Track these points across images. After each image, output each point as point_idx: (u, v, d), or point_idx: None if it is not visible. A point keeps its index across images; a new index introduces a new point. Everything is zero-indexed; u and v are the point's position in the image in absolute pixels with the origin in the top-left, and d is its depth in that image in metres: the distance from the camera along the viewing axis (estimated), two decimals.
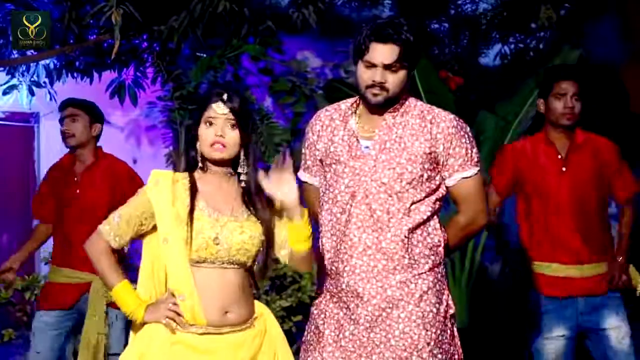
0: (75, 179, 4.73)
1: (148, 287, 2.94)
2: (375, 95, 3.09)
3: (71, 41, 5.69)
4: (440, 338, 3.08)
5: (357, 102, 3.21)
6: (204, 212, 2.90)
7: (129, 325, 4.65)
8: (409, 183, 3.07)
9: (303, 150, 3.32)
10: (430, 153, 3.10)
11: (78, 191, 4.71)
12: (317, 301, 3.23)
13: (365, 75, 3.09)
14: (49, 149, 6.93)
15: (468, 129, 3.18)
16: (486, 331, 6.00)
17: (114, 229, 2.92)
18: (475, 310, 6.14)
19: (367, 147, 3.13)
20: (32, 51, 5.87)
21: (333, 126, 3.21)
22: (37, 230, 4.94)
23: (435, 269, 3.13)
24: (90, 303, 4.59)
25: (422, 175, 3.09)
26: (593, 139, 4.25)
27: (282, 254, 3.02)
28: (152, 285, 2.94)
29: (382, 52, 3.05)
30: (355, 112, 3.20)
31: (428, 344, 3.04)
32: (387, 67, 3.06)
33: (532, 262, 4.22)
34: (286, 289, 5.91)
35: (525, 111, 6.20)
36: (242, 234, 2.91)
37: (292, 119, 6.52)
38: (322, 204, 3.19)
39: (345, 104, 3.24)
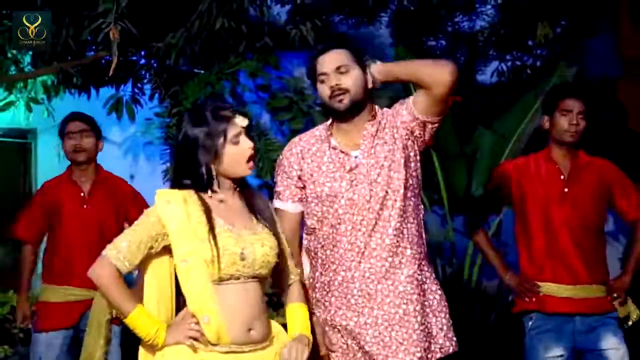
0: (82, 194, 4.66)
1: (157, 313, 2.86)
2: (339, 100, 3.22)
3: (69, 57, 5.69)
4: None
5: (331, 124, 3.32)
6: (223, 228, 2.86)
7: (124, 341, 4.66)
8: (401, 182, 3.19)
9: (275, 179, 3.39)
10: (404, 144, 3.25)
11: (86, 206, 4.64)
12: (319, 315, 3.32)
13: (323, 88, 3.24)
14: (46, 165, 6.94)
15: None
16: (484, 347, 5.98)
17: (123, 252, 2.81)
18: (473, 327, 6.12)
19: (356, 156, 3.24)
20: (29, 67, 5.90)
21: (313, 151, 3.30)
22: (27, 255, 4.73)
23: (418, 256, 3.26)
24: (92, 319, 4.49)
25: (406, 171, 3.22)
26: (595, 162, 4.22)
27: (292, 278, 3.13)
28: (162, 310, 2.87)
29: (329, 59, 3.24)
30: (332, 134, 3.30)
31: (441, 329, 3.27)
32: (337, 70, 3.21)
33: (532, 281, 4.18)
34: (283, 306, 5.88)
35: (522, 128, 6.21)
36: (263, 246, 2.91)
37: (290, 136, 6.53)
38: (319, 222, 3.26)
39: (319, 130, 3.35)
